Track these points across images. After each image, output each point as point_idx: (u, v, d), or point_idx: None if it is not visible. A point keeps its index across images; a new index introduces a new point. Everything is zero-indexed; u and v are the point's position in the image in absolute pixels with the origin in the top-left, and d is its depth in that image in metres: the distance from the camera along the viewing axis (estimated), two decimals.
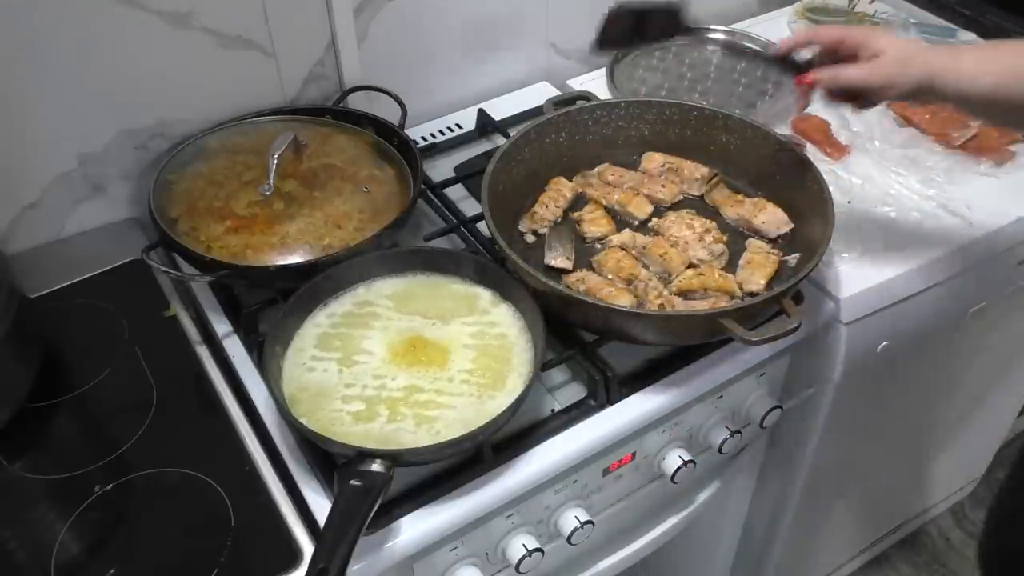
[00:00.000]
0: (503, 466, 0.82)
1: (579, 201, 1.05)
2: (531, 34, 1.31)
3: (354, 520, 0.68)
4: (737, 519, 1.29)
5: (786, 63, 0.87)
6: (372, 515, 0.69)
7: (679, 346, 0.93)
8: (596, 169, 1.08)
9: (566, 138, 1.07)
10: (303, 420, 0.77)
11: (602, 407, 0.88)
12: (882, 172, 1.15)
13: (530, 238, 1.00)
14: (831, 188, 0.94)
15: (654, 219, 1.02)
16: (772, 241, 0.99)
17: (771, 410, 1.00)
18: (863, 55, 0.79)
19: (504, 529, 0.87)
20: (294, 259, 0.92)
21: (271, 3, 1.06)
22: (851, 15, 1.42)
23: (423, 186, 1.07)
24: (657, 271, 0.94)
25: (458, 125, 1.27)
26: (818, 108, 1.23)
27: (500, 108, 1.28)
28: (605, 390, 0.87)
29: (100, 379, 0.91)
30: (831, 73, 0.80)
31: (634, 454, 0.93)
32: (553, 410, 0.88)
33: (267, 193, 0.98)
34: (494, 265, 0.91)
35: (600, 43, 0.90)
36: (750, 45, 0.96)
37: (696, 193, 1.05)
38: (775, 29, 1.42)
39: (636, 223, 1.02)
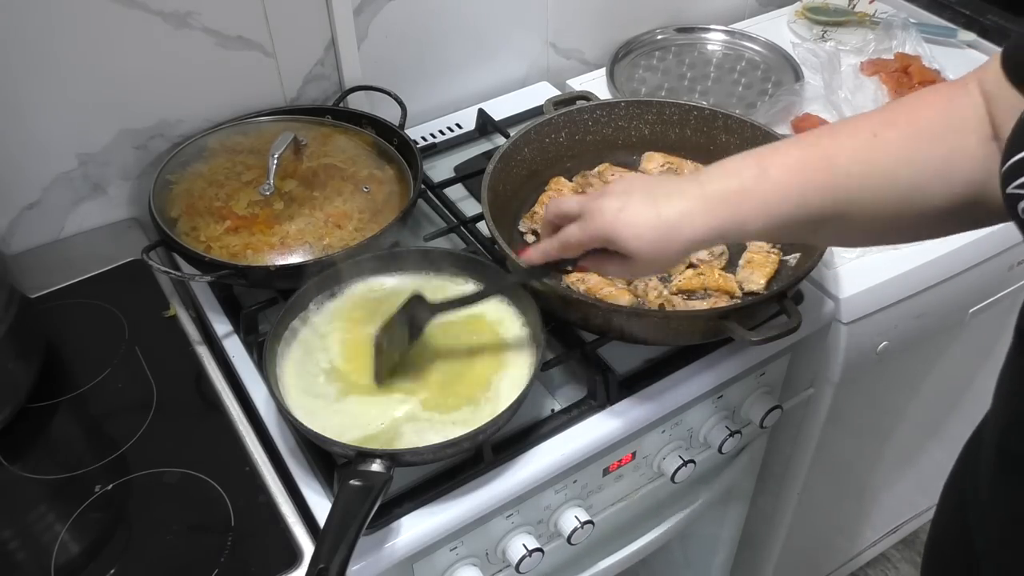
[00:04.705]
0: (503, 466, 0.82)
1: None
2: (531, 34, 1.31)
3: (354, 520, 0.68)
4: (737, 519, 1.29)
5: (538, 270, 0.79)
6: (372, 515, 0.69)
7: (679, 346, 0.93)
8: (596, 169, 1.08)
9: (566, 138, 1.07)
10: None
11: (602, 407, 0.88)
12: None
13: (530, 238, 1.00)
14: None
15: None
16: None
17: (771, 410, 1.00)
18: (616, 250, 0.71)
19: (504, 529, 0.87)
20: (294, 259, 0.92)
21: (271, 3, 1.06)
22: (851, 15, 1.42)
23: (423, 186, 1.07)
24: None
25: (458, 125, 1.27)
26: (818, 108, 1.23)
27: (500, 108, 1.28)
28: (605, 390, 0.87)
29: (100, 379, 0.91)
30: (599, 267, 0.74)
31: (634, 454, 0.93)
32: (553, 410, 0.88)
33: (267, 193, 0.98)
34: (494, 265, 0.91)
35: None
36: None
37: None
38: (775, 29, 1.42)
39: None
